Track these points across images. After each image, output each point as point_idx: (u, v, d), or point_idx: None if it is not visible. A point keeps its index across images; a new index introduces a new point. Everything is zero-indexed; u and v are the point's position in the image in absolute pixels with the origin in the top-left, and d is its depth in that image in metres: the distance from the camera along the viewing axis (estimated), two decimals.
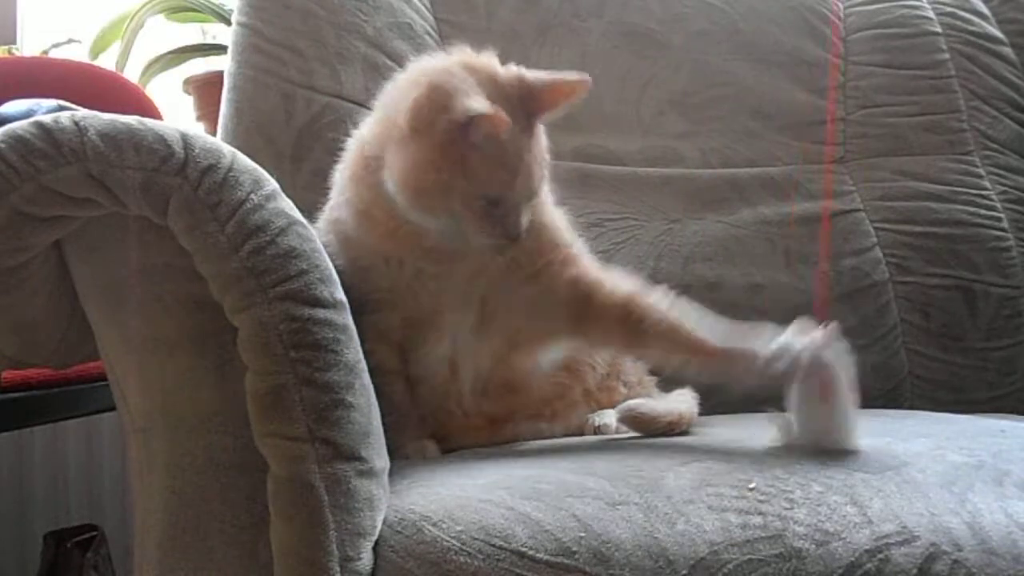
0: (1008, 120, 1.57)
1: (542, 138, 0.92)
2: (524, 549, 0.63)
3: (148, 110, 1.50)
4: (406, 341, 0.95)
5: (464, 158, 0.85)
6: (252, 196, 0.68)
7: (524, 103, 0.89)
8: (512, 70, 0.91)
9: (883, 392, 1.37)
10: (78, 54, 1.83)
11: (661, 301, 0.91)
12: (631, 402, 0.96)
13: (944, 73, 1.57)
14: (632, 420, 0.94)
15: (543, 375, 1.01)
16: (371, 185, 0.91)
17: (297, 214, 0.72)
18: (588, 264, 0.97)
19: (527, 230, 0.91)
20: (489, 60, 0.91)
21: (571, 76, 0.91)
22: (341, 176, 0.98)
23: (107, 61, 1.79)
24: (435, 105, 0.85)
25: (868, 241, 1.43)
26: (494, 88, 0.88)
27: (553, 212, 1.00)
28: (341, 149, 0.99)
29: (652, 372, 1.17)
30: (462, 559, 0.63)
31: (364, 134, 0.96)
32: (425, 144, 0.85)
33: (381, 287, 0.92)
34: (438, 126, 0.84)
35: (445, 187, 0.86)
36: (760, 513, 0.67)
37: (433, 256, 0.92)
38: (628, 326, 0.91)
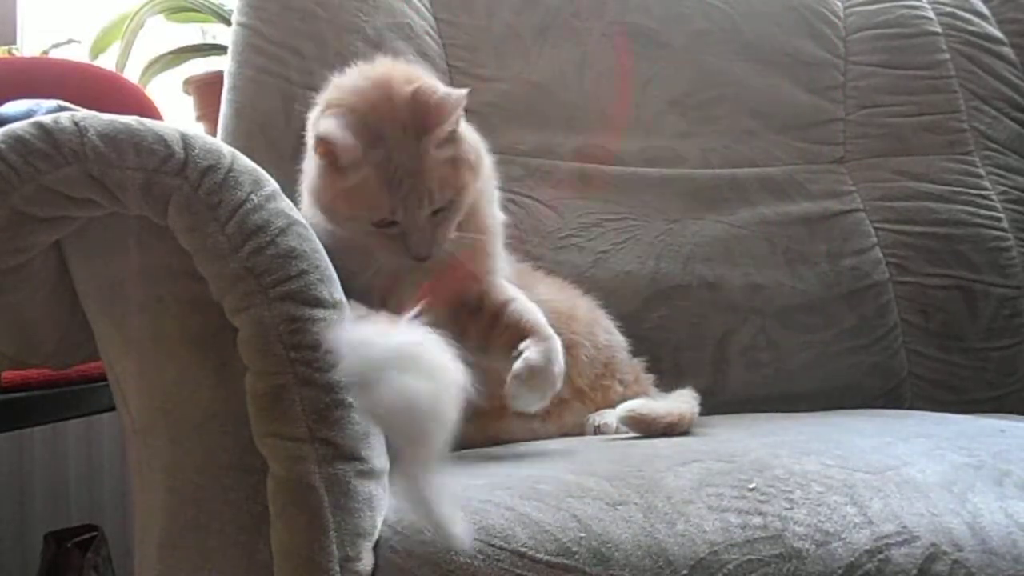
0: (1008, 120, 1.57)
1: (450, 160, 0.90)
2: (524, 549, 0.63)
3: (148, 110, 1.50)
4: None
5: (336, 177, 0.88)
6: (252, 196, 0.68)
7: (416, 119, 0.88)
8: (413, 84, 0.90)
9: (883, 392, 1.37)
10: (78, 54, 1.83)
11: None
12: (631, 403, 0.96)
13: (944, 73, 1.57)
14: (633, 421, 0.94)
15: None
16: None
17: (297, 214, 0.72)
18: (498, 287, 0.98)
19: (456, 241, 0.92)
20: (398, 73, 0.93)
21: (448, 93, 0.90)
22: (302, 188, 0.98)
23: (107, 61, 1.79)
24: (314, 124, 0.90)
25: (868, 241, 1.43)
26: (386, 103, 0.89)
27: (490, 227, 1.00)
28: None
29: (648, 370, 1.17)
30: (462, 559, 0.63)
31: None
32: (317, 162, 0.90)
33: (351, 271, 0.92)
34: (317, 150, 0.89)
35: (334, 209, 0.89)
36: (760, 513, 0.67)
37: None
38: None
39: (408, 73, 0.94)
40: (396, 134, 0.88)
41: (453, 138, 0.91)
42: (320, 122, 0.88)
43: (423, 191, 0.88)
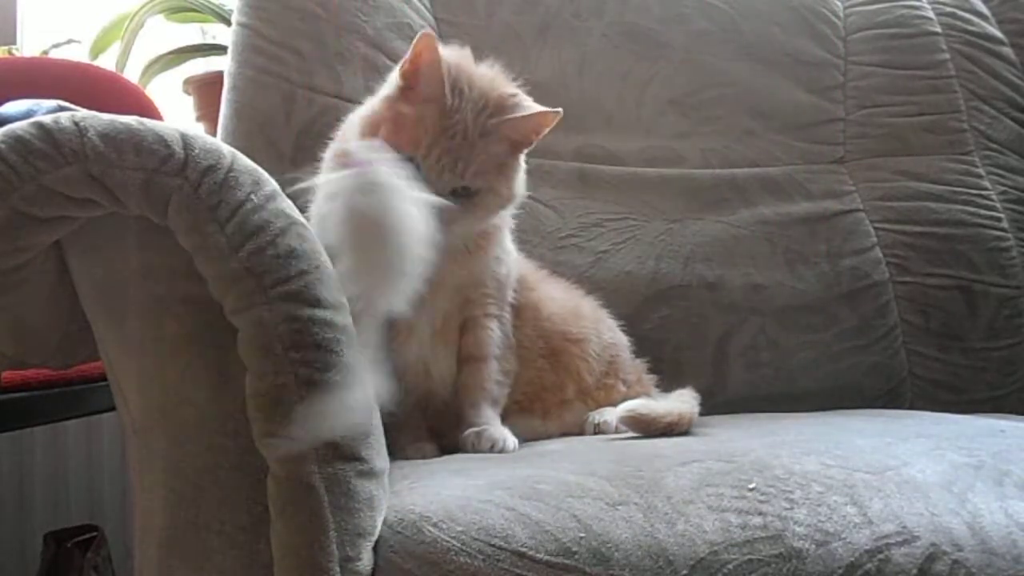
0: (1008, 120, 1.57)
1: (498, 168, 0.93)
2: (524, 549, 0.63)
3: (148, 110, 1.50)
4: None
5: (401, 103, 0.90)
6: (252, 196, 0.68)
7: (499, 111, 0.92)
8: (512, 87, 0.95)
9: (883, 392, 1.37)
10: (78, 54, 1.83)
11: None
12: (630, 403, 0.96)
13: (944, 73, 1.57)
14: (632, 421, 0.94)
15: (527, 371, 1.03)
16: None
17: (297, 214, 0.72)
18: (482, 335, 1.00)
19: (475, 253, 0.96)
20: (498, 72, 0.97)
21: (544, 109, 0.94)
22: (326, 156, 0.99)
23: (107, 61, 1.79)
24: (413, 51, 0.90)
25: (868, 241, 1.43)
26: (478, 81, 0.92)
27: (500, 259, 1.02)
28: None
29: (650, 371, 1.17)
30: (462, 559, 0.63)
31: (362, 109, 0.99)
32: (390, 86, 0.92)
33: None
34: (402, 68, 0.90)
35: (375, 125, 0.90)
36: (760, 513, 0.67)
37: None
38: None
39: (511, 82, 0.98)
40: (477, 105, 0.90)
41: (515, 150, 0.95)
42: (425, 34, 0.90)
43: (464, 159, 0.90)
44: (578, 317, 1.10)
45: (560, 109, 0.94)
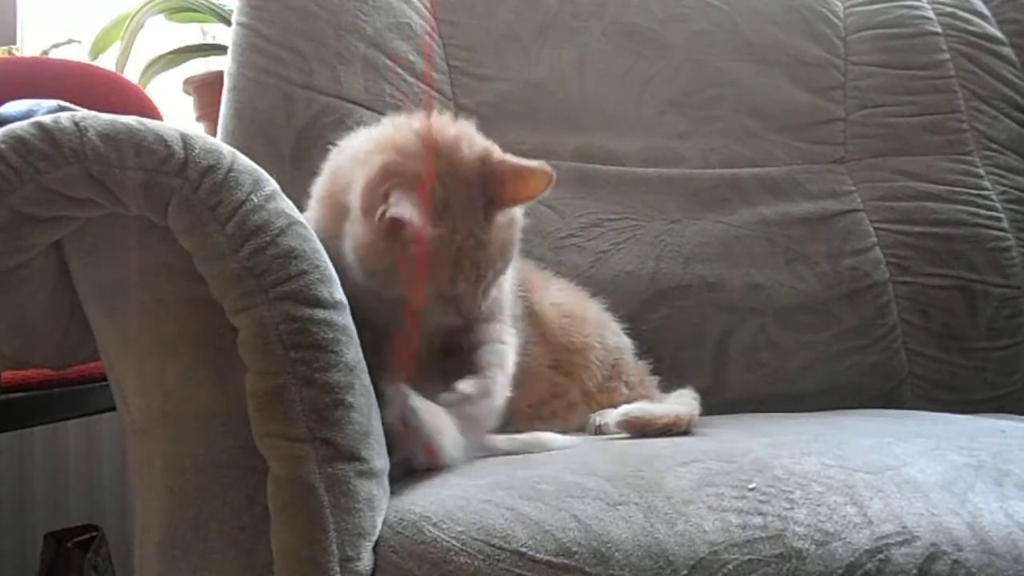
0: (1008, 120, 1.57)
1: (508, 224, 0.88)
2: (524, 549, 0.63)
3: (148, 110, 1.50)
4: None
5: (400, 250, 0.82)
6: (252, 196, 0.68)
7: (485, 189, 0.86)
8: (478, 149, 0.87)
9: (883, 392, 1.37)
10: (78, 54, 1.83)
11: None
12: (627, 407, 0.97)
13: (944, 73, 1.57)
14: (628, 425, 0.94)
15: (537, 383, 1.02)
16: (333, 213, 0.89)
17: (297, 214, 0.72)
18: (484, 328, 0.95)
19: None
20: (459, 135, 0.88)
21: (535, 166, 0.87)
22: (314, 191, 0.95)
23: (107, 61, 1.79)
24: (380, 193, 0.82)
25: (868, 241, 1.43)
26: (452, 172, 0.84)
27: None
28: None
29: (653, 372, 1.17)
30: (462, 559, 0.63)
31: (340, 164, 0.93)
32: (371, 229, 0.83)
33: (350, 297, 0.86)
34: (377, 216, 0.81)
35: (391, 274, 0.83)
36: (760, 513, 0.67)
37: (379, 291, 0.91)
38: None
39: (470, 136, 0.89)
40: (464, 205, 0.84)
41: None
42: (391, 199, 0.80)
43: (487, 265, 0.86)
44: (583, 323, 1.09)
45: (553, 173, 0.87)
